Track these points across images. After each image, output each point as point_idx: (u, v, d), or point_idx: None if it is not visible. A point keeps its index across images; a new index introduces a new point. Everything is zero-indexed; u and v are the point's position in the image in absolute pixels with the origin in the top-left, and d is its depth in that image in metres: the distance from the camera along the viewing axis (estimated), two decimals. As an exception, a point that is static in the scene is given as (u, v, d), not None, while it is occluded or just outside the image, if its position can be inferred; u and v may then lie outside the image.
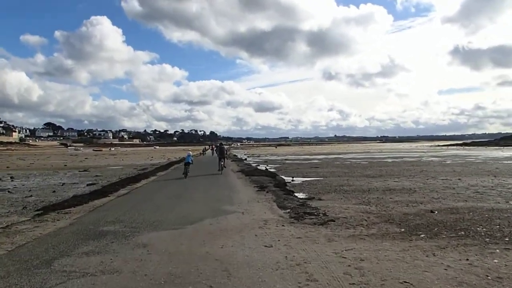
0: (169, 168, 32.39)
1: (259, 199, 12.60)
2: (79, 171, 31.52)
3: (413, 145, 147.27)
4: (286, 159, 49.08)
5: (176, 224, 8.57)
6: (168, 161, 47.25)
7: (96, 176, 26.56)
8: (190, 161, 22.95)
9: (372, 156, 53.66)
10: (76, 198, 13.39)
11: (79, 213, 10.65)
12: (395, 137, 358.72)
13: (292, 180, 20.00)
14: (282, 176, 21.87)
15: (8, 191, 17.86)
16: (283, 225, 8.17)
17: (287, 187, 16.34)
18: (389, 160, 41.80)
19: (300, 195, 14.17)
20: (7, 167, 40.66)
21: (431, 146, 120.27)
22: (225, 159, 28.40)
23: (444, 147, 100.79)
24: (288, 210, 9.97)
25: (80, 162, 50.83)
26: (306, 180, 20.05)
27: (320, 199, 12.60)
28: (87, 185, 20.40)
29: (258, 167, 32.64)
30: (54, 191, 17.70)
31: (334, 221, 8.52)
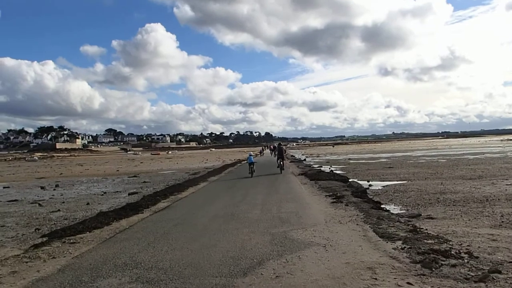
0: (222, 172, 29.46)
1: (340, 217, 8.95)
2: (129, 177, 29.47)
3: (481, 139, 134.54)
4: (349, 159, 44.69)
5: (220, 275, 5.17)
6: (223, 163, 44.64)
7: (144, 182, 24.18)
8: (252, 161, 23.83)
9: (444, 153, 47.68)
10: (100, 217, 10.46)
11: (89, 243, 7.62)
12: (457, 132, 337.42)
13: (370, 185, 16.07)
14: (355, 180, 18.01)
15: (39, 204, 15.61)
16: (409, 283, 4.50)
17: (369, 196, 12.57)
18: (470, 156, 36.16)
19: (394, 209, 10.34)
20: (61, 173, 39.96)
21: (502, 140, 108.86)
22: (284, 159, 26.83)
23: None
24: (400, 243, 6.16)
25: (135, 166, 49.74)
26: (387, 185, 16.04)
27: (431, 217, 8.71)
28: (129, 194, 18.00)
29: (321, 168, 28.83)
30: (88, 203, 15.23)
31: (499, 272, 4.69)
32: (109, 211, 11.73)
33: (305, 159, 48.06)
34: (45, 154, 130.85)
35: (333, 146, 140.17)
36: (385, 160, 38.17)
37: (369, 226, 7.58)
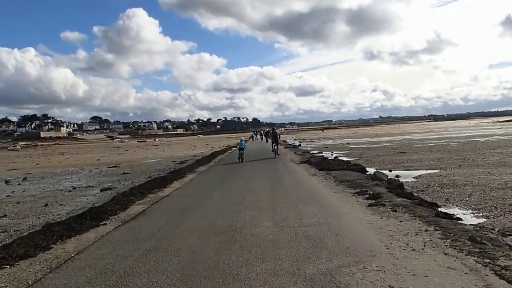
0: (211, 160, 26.16)
1: (402, 234, 5.78)
2: (108, 167, 26.10)
3: (471, 122, 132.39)
4: (347, 143, 41.78)
5: None
6: (212, 150, 41.36)
7: (123, 174, 20.90)
8: (243, 146, 23.52)
9: (446, 135, 44.98)
10: (40, 235, 7.15)
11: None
12: (443, 115, 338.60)
13: (397, 176, 13.01)
14: (375, 169, 14.93)
15: (-15, 208, 12.29)
16: None
17: (412, 193, 9.46)
18: (480, 139, 33.54)
19: (466, 215, 7.26)
20: (37, 164, 36.41)
21: (493, 122, 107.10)
22: (278, 144, 25.97)
23: (511, 122, 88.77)
24: None
25: (118, 155, 46.34)
26: (420, 176, 12.99)
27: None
28: (101, 190, 14.93)
29: (323, 155, 25.75)
30: (46, 205, 12.01)
31: None
32: (59, 222, 8.41)
33: (299, 145, 45.18)
34: (29, 143, 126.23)
35: (323, 131, 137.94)
36: (388, 144, 35.32)
37: (475, 260, 4.45)
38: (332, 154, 26.38)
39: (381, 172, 13.33)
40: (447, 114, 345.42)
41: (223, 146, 52.90)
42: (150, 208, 9.65)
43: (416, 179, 12.38)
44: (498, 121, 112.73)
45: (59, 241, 6.75)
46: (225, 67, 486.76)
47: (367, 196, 9.08)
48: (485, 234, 5.55)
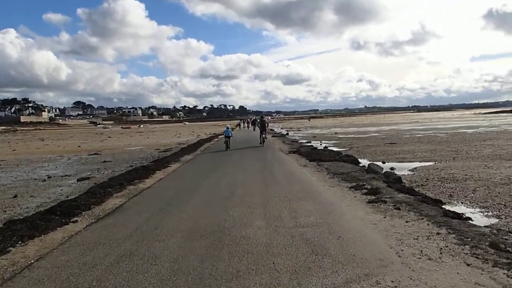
0: (197, 148, 25.27)
1: (413, 238, 5.07)
2: (88, 155, 25.02)
3: (454, 113, 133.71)
4: (335, 133, 41.25)
5: None
6: (198, 138, 40.47)
7: (104, 162, 19.94)
8: (230, 135, 23.32)
9: (433, 126, 44.82)
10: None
11: None
12: (426, 106, 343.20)
13: (392, 169, 12.39)
14: (367, 161, 14.32)
15: None
16: None
17: (413, 188, 8.81)
18: (468, 130, 33.39)
19: (475, 214, 6.63)
20: (14, 150, 35.02)
21: (475, 114, 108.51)
22: (266, 132, 26.03)
23: (493, 114, 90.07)
24: None
25: (101, 141, 45.11)
26: (415, 168, 12.41)
27: None
28: (78, 180, 14.03)
29: (312, 145, 25.11)
30: (15, 196, 11.05)
31: None
32: (24, 218, 7.51)
33: (287, 133, 44.55)
34: (8, 127, 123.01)
35: (309, 120, 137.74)
36: (376, 134, 34.91)
37: (505, 274, 3.78)
38: (321, 144, 25.83)
39: (376, 164, 12.67)
40: (430, 105, 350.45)
41: (209, 133, 52.04)
42: (128, 202, 8.81)
43: (412, 172, 11.79)
44: (480, 113, 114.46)
45: (20, 242, 5.90)
46: (212, 54, 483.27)
47: (365, 191, 8.39)
48: (506, 239, 4.89)
